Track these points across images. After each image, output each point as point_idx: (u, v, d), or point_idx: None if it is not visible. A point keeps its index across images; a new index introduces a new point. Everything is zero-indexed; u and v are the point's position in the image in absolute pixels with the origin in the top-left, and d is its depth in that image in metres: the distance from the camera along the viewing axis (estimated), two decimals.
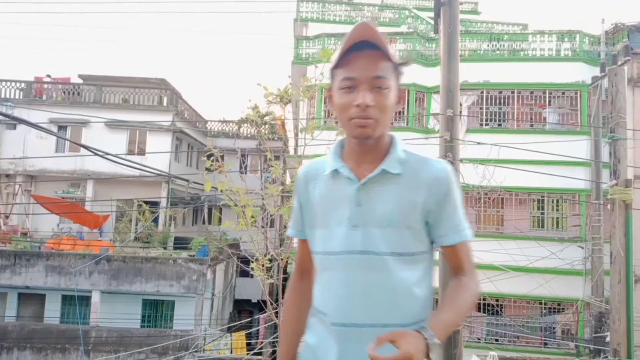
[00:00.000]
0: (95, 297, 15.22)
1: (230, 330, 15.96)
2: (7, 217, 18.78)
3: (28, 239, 17.68)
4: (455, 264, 1.35)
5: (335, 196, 1.34)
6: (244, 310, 20.94)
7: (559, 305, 12.33)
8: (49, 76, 21.25)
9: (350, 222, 1.29)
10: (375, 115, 1.25)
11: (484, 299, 12.36)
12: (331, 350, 1.31)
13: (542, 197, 12.82)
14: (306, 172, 1.45)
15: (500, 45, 13.71)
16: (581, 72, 12.86)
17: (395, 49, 14.24)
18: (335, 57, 1.31)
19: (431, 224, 1.32)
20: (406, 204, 1.28)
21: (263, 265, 4.10)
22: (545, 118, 13.39)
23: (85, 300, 15.18)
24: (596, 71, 12.37)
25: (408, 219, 1.28)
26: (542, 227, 12.89)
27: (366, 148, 1.32)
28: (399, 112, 13.94)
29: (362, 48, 1.26)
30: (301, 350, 1.46)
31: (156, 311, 16.26)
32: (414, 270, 1.30)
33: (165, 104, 20.81)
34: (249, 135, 23.60)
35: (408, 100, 13.50)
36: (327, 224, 1.34)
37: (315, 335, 1.39)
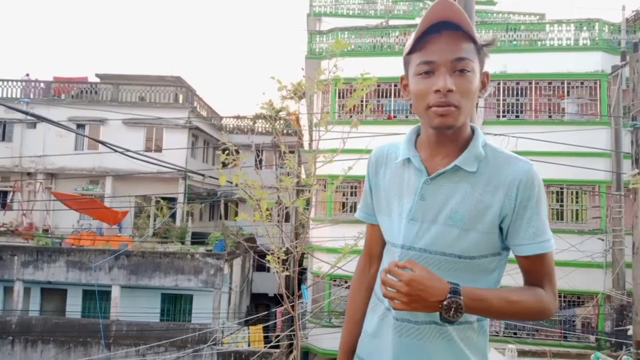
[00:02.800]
0: (115, 292, 15.50)
1: (247, 323, 16.11)
2: (24, 214, 19.22)
3: (49, 236, 18.06)
4: (531, 278, 1.20)
5: (402, 185, 1.26)
6: (261, 304, 21.12)
7: (578, 298, 12.15)
8: (27, 75, 21.43)
9: (410, 214, 1.21)
10: (456, 101, 1.13)
11: None
12: (388, 341, 1.26)
13: (561, 189, 12.63)
14: (378, 156, 1.37)
15: (517, 36, 13.49)
16: (601, 62, 12.59)
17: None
18: (410, 41, 1.19)
19: (506, 231, 1.18)
20: (475, 205, 1.16)
21: (279, 258, 4.14)
22: (564, 109, 13.16)
23: (105, 294, 15.47)
24: (616, 60, 12.09)
25: (475, 220, 1.16)
26: (562, 219, 12.70)
27: (444, 139, 1.20)
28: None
29: (441, 29, 1.13)
30: (361, 338, 1.41)
31: (175, 305, 16.50)
32: (468, 273, 1.19)
33: (180, 101, 21.00)
34: (263, 131, 23.70)
35: None
36: (390, 213, 1.28)
37: (373, 322, 1.33)
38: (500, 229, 1.18)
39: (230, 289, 16.79)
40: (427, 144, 1.25)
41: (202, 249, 16.61)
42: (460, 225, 1.16)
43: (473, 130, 1.24)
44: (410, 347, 1.22)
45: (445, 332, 1.20)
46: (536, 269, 1.18)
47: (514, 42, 13.48)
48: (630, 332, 7.71)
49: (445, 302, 1.04)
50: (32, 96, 20.51)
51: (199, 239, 18.51)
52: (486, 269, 1.21)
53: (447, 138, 1.20)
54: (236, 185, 4.18)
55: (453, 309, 1.04)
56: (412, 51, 1.19)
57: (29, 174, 20.21)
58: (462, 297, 1.05)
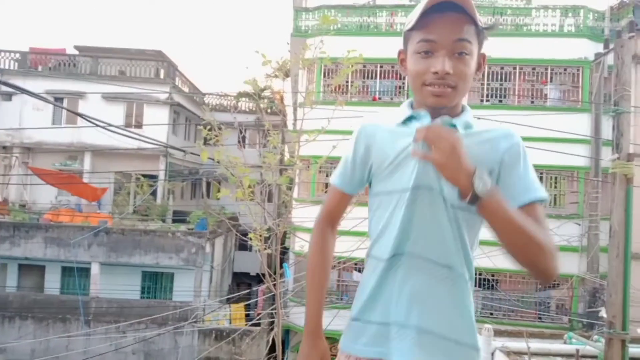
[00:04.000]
0: (95, 269, 15.36)
1: (229, 301, 16.19)
2: None
3: (26, 211, 17.72)
4: None
5: (405, 143, 1.26)
6: (243, 283, 21.20)
7: (553, 281, 12.50)
8: None
9: (418, 166, 1.22)
10: (453, 83, 1.17)
11: (479, 274, 12.51)
12: (394, 286, 1.26)
13: (540, 174, 12.83)
14: (370, 125, 1.37)
15: (504, 20, 13.49)
16: (584, 49, 12.69)
17: (396, 22, 14.02)
18: (411, 17, 1.20)
19: (499, 185, 1.20)
20: (472, 156, 1.16)
21: (261, 236, 4.13)
22: (546, 95, 13.29)
23: (85, 271, 15.33)
24: (599, 48, 12.21)
25: None
26: None
27: (437, 115, 1.23)
28: (399, 87, 13.81)
29: (444, 10, 1.14)
30: (357, 302, 1.37)
31: (155, 283, 16.46)
32: (466, 213, 1.20)
33: (162, 76, 20.57)
34: (247, 110, 23.43)
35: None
36: (402, 165, 1.26)
37: (371, 283, 1.31)
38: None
39: (212, 267, 16.79)
40: None
41: (183, 228, 16.52)
42: None
43: (463, 107, 1.29)
44: (421, 283, 1.23)
45: (451, 277, 1.23)
46: (534, 218, 1.16)
47: (500, 26, 13.49)
48: (601, 314, 7.97)
49: (476, 172, 1.05)
50: (6, 67, 19.86)
51: (180, 217, 18.39)
52: (477, 218, 1.22)
53: (441, 114, 1.23)
54: (218, 162, 4.13)
55: (482, 181, 1.05)
56: (413, 28, 1.20)
57: (4, 147, 19.68)
58: (490, 182, 1.07)
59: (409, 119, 1.28)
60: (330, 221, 1.47)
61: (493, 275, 12.45)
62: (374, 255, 1.33)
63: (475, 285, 11.92)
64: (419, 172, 1.22)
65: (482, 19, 1.19)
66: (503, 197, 1.09)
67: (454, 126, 1.22)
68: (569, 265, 11.60)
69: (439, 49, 1.16)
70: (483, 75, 13.22)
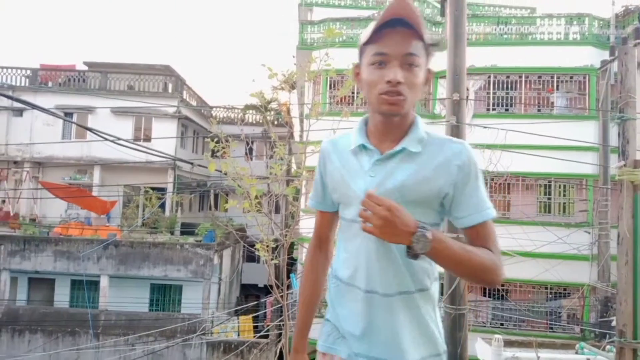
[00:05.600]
0: (104, 282, 15.42)
1: (237, 313, 16.15)
2: (2, 202, 18.99)
3: (37, 225, 17.88)
4: (477, 245, 1.28)
5: (356, 168, 1.36)
6: (251, 295, 21.17)
7: (564, 290, 12.35)
8: None
9: (363, 191, 1.29)
10: (404, 92, 1.26)
11: None
12: (357, 312, 1.37)
13: (549, 182, 12.76)
14: (330, 146, 1.47)
15: (508, 29, 13.53)
16: (590, 56, 12.67)
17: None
18: (366, 33, 1.30)
19: (449, 206, 1.31)
20: (421, 181, 1.28)
21: (268, 246, 4.14)
22: (553, 103, 13.26)
23: (94, 284, 15.40)
24: (605, 55, 12.19)
25: (420, 195, 1.28)
26: (549, 212, 12.85)
27: (391, 125, 1.33)
28: None
29: (395, 25, 1.25)
30: (323, 325, 1.50)
31: (164, 295, 16.47)
32: None
33: (170, 90, 20.80)
34: (254, 122, 23.58)
35: None
36: (348, 194, 1.37)
37: (338, 304, 1.44)
38: (441, 204, 1.32)
39: (220, 279, 16.79)
40: (376, 131, 1.36)
41: (191, 240, 16.57)
42: (406, 198, 1.27)
43: (415, 118, 1.37)
44: (379, 317, 1.33)
45: (410, 302, 1.32)
46: (482, 237, 1.29)
47: (505, 36, 13.53)
48: (614, 323, 7.86)
49: (416, 234, 1.14)
50: (17, 83, 20.21)
51: (188, 229, 18.46)
52: None
53: (393, 125, 1.33)
54: (225, 173, 4.16)
55: (421, 243, 1.14)
56: (367, 42, 1.30)
57: (15, 162, 19.94)
58: (430, 234, 1.14)
59: (361, 147, 1.37)
60: (319, 244, 1.59)
61: (503, 285, 12.34)
62: (336, 276, 1.45)
63: (485, 295, 11.79)
64: (358, 206, 1.29)
65: (429, 36, 1.29)
66: (446, 242, 1.18)
67: (406, 150, 1.31)
68: (579, 274, 11.47)
69: (391, 60, 1.25)
70: (489, 84, 13.25)
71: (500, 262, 1.26)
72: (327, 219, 1.54)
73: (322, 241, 1.58)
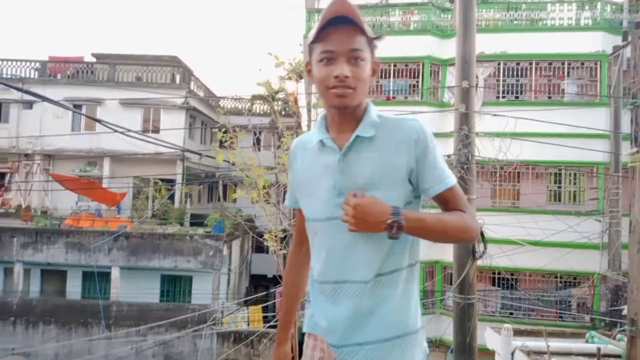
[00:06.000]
0: (115, 273, 15.58)
1: (247, 303, 16.26)
2: (5, 189, 19.17)
3: (48, 217, 18.08)
4: (449, 210, 1.41)
5: (321, 166, 1.42)
6: (260, 285, 21.27)
7: (574, 279, 12.27)
8: None
9: (335, 189, 1.37)
10: (352, 85, 1.33)
11: (498, 273, 12.35)
12: (325, 309, 1.44)
13: (559, 170, 12.63)
14: (296, 146, 1.54)
15: (518, 15, 13.31)
16: (602, 42, 12.45)
17: (411, 20, 13.97)
18: (312, 33, 1.37)
19: (415, 181, 1.39)
20: (387, 166, 1.36)
21: (276, 237, 4.14)
22: (563, 90, 13.07)
23: (105, 276, 15.56)
24: (617, 40, 11.96)
25: (390, 179, 1.35)
26: (559, 200, 12.73)
27: (345, 117, 1.39)
28: (413, 86, 13.73)
29: (339, 23, 1.32)
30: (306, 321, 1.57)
31: (174, 286, 16.62)
32: None
33: (177, 81, 20.80)
34: (261, 112, 23.55)
35: (423, 73, 13.27)
36: (314, 193, 1.43)
37: (313, 302, 1.51)
38: (410, 181, 1.39)
39: (230, 270, 16.89)
40: (333, 124, 1.43)
41: (201, 231, 16.66)
42: (379, 186, 1.34)
43: (366, 106, 1.44)
44: (352, 305, 1.38)
45: (384, 283, 1.38)
46: (450, 202, 1.40)
47: (515, 22, 13.32)
48: (624, 312, 7.79)
49: (388, 222, 1.24)
50: (27, 75, 20.33)
51: (197, 220, 18.55)
52: None
53: (348, 115, 1.39)
54: (233, 164, 4.16)
55: (395, 227, 1.24)
56: (314, 41, 1.37)
57: (26, 155, 20.12)
58: (402, 217, 1.24)
59: (320, 142, 1.43)
60: (299, 242, 1.66)
61: (512, 275, 12.28)
62: (312, 275, 1.52)
63: (495, 285, 11.76)
64: (330, 204, 1.37)
65: (370, 30, 1.37)
66: (419, 219, 1.29)
67: (360, 137, 1.37)
68: (589, 263, 11.38)
69: (338, 57, 1.33)
70: (499, 72, 13.08)
71: (472, 220, 1.38)
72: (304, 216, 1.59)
73: (302, 241, 1.63)
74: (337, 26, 1.33)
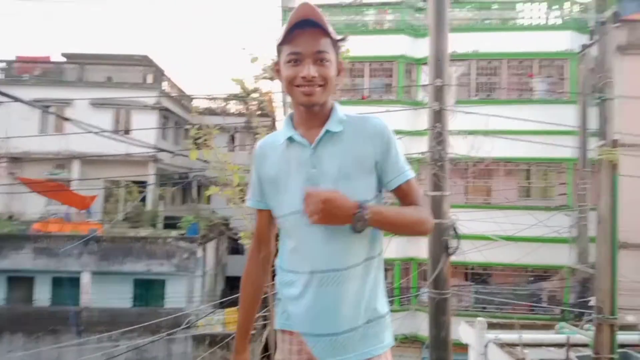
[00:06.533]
0: (86, 278, 15.17)
1: (222, 305, 16.07)
2: None
3: (14, 222, 17.46)
4: (406, 203, 1.50)
5: (291, 161, 1.48)
6: (236, 287, 21.03)
7: (545, 272, 12.54)
8: None
9: (309, 182, 1.43)
10: (319, 83, 1.41)
11: (471, 268, 12.53)
12: (309, 297, 1.46)
13: (529, 166, 12.90)
14: (262, 145, 1.58)
15: (490, 15, 13.55)
16: (570, 41, 12.76)
17: (385, 20, 14.08)
18: (280, 34, 1.44)
19: (379, 173, 1.47)
20: (355, 157, 1.44)
21: (252, 234, 4.09)
22: (533, 88, 13.37)
23: (75, 281, 15.13)
24: (585, 39, 12.29)
25: (359, 169, 1.44)
26: (530, 196, 13.01)
27: (312, 114, 1.46)
28: (387, 85, 13.82)
29: (304, 26, 1.39)
30: (282, 308, 1.57)
31: (147, 290, 16.27)
32: None
33: (149, 81, 20.42)
34: (236, 112, 23.33)
35: (397, 72, 13.37)
36: (288, 188, 1.47)
37: (297, 289, 1.49)
38: (374, 173, 1.47)
39: (204, 272, 16.66)
40: (301, 121, 1.49)
41: (174, 233, 16.38)
42: (348, 176, 1.42)
43: (333, 105, 1.52)
44: (327, 294, 1.43)
45: (357, 273, 1.45)
46: (407, 194, 1.50)
47: (487, 21, 13.55)
48: (592, 303, 8.00)
49: (355, 215, 1.32)
50: None
51: (171, 222, 18.24)
52: None
53: (315, 113, 1.46)
54: (207, 162, 4.08)
55: (360, 220, 1.33)
56: (282, 43, 1.44)
57: None
58: (367, 211, 1.33)
59: (290, 139, 1.48)
60: (258, 245, 1.66)
61: (485, 269, 12.48)
62: (281, 267, 1.56)
63: (467, 280, 11.89)
64: (300, 197, 1.40)
65: (334, 32, 1.44)
66: (382, 212, 1.38)
67: (330, 132, 1.45)
68: (559, 256, 11.65)
69: (305, 58, 1.41)
70: (471, 70, 13.28)
71: (427, 213, 1.49)
72: (267, 218, 1.61)
73: (262, 242, 1.65)
74: (304, 29, 1.39)
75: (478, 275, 12.54)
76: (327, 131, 1.44)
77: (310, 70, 1.39)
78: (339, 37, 1.47)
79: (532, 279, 12.62)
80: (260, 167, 1.56)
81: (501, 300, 11.65)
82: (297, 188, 1.44)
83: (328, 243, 1.42)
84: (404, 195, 1.50)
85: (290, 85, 1.44)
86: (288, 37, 1.42)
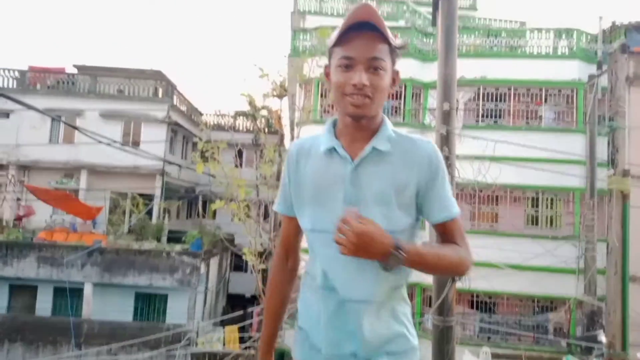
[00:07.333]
0: (88, 290, 15.12)
1: (223, 323, 15.90)
2: None
3: (20, 229, 17.52)
4: (447, 240, 1.38)
5: (330, 174, 1.35)
6: (238, 305, 20.91)
7: (551, 303, 12.34)
8: None
9: (346, 201, 1.31)
10: (370, 94, 1.28)
11: (477, 296, 12.36)
12: (322, 313, 1.37)
13: (536, 194, 12.82)
14: (298, 149, 1.45)
15: (498, 42, 13.67)
16: (578, 70, 12.84)
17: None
18: (334, 35, 1.32)
19: (421, 202, 1.36)
20: (398, 182, 1.32)
21: (255, 251, 4.06)
22: (541, 116, 13.38)
23: (77, 292, 15.08)
24: (592, 69, 12.35)
25: (399, 196, 1.32)
26: (536, 224, 12.89)
27: (359, 127, 1.34)
28: (395, 107, 13.90)
29: (361, 28, 1.28)
30: (300, 310, 1.49)
31: (149, 304, 16.17)
32: None
33: (160, 95, 20.66)
34: (244, 129, 23.50)
35: (405, 96, 13.45)
36: (322, 202, 1.35)
37: (311, 297, 1.42)
38: (416, 202, 1.36)
39: (207, 288, 16.56)
40: (346, 132, 1.37)
41: (178, 247, 16.34)
42: (388, 202, 1.31)
43: (382, 119, 1.40)
44: (353, 324, 1.34)
45: (385, 305, 1.36)
46: (450, 232, 1.37)
47: (495, 48, 13.66)
48: (600, 337, 7.85)
49: (391, 255, 1.20)
50: (5, 85, 19.95)
51: (175, 236, 18.22)
52: (414, 237, 1.40)
53: (362, 126, 1.35)
54: (213, 176, 4.09)
55: (395, 261, 1.22)
56: (335, 45, 1.33)
57: (0, 165, 19.59)
58: (403, 251, 1.21)
59: (331, 149, 1.37)
60: (285, 253, 1.57)
61: (490, 298, 12.30)
62: (310, 285, 1.45)
63: (473, 308, 11.76)
64: (340, 216, 1.27)
65: (394, 39, 1.32)
66: (419, 253, 1.25)
67: (376, 150, 1.34)
68: (566, 287, 11.47)
69: (357, 64, 1.29)
70: (478, 96, 13.34)
71: (467, 254, 1.34)
72: (295, 225, 1.50)
73: (289, 250, 1.56)
74: (359, 32, 1.28)
75: (483, 303, 12.35)
76: (374, 148, 1.33)
77: (362, 77, 1.27)
78: (398, 44, 1.35)
79: (538, 309, 12.41)
80: (293, 172, 1.45)
81: (506, 330, 11.46)
82: (332, 205, 1.33)
83: (361, 271, 1.32)
84: (446, 232, 1.38)
85: (339, 93, 1.32)
86: (342, 39, 1.30)
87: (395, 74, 1.38)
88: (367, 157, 1.33)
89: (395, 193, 1.31)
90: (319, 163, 1.38)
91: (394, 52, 1.34)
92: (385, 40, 1.30)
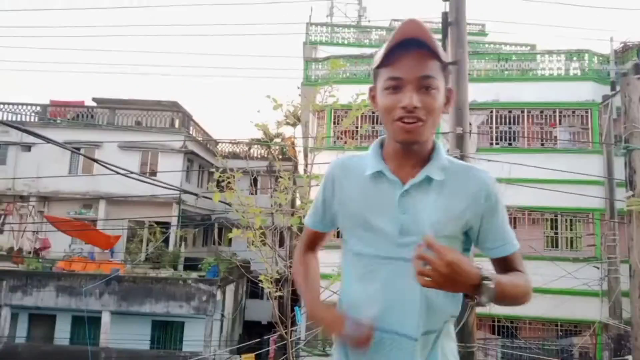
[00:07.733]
0: (106, 318, 15.18)
1: (239, 351, 15.76)
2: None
3: (40, 260, 17.78)
4: (509, 269, 1.30)
5: (377, 199, 1.27)
6: (254, 333, 20.71)
7: (575, 327, 12.01)
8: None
9: (396, 229, 1.23)
10: (422, 117, 1.18)
11: (498, 321, 12.09)
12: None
13: (555, 216, 12.65)
14: (341, 168, 1.36)
15: (509, 66, 13.76)
16: (591, 91, 12.82)
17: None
18: (379, 55, 1.22)
19: (474, 236, 1.28)
20: (449, 214, 1.22)
21: (272, 278, 4.09)
22: (556, 137, 13.32)
23: (95, 321, 15.14)
24: (606, 90, 12.32)
25: (453, 229, 1.24)
26: (556, 247, 12.68)
27: (410, 152, 1.25)
28: None
29: (409, 46, 1.17)
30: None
31: (165, 332, 16.15)
32: None
33: (177, 125, 21.09)
34: (259, 156, 23.76)
35: None
36: (370, 227, 1.26)
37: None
38: (466, 234, 1.28)
39: (223, 316, 16.50)
40: (394, 156, 1.28)
41: (194, 275, 16.38)
42: (441, 234, 1.19)
43: (435, 144, 1.30)
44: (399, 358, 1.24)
45: (435, 340, 1.26)
46: (513, 265, 1.29)
47: (506, 72, 13.74)
48: None
49: (481, 286, 1.07)
50: (26, 119, 20.60)
51: (192, 263, 18.29)
52: None
53: (413, 151, 1.25)
54: (229, 204, 4.17)
55: (487, 293, 1.08)
56: (380, 65, 1.23)
57: (21, 197, 20.04)
58: (494, 282, 1.08)
59: (379, 172, 1.28)
60: (308, 247, 1.53)
61: (512, 322, 12.03)
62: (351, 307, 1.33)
63: (494, 333, 11.48)
64: (392, 243, 1.23)
65: (444, 54, 1.21)
66: (503, 284, 1.12)
67: (427, 179, 1.24)
68: (590, 310, 11.19)
69: (406, 84, 1.18)
70: (492, 119, 13.36)
71: (530, 283, 1.26)
72: (322, 236, 1.50)
73: (311, 249, 1.54)
74: (407, 49, 1.17)
75: (505, 328, 12.07)
76: (427, 177, 1.23)
77: (412, 99, 1.16)
78: (450, 60, 1.28)
79: (561, 334, 12.08)
80: (333, 192, 1.36)
81: (530, 355, 11.15)
82: (383, 231, 1.24)
83: (409, 301, 1.21)
84: (507, 265, 1.29)
85: (388, 117, 1.21)
86: (388, 59, 1.20)
87: (449, 92, 1.26)
88: (419, 184, 1.23)
89: (448, 225, 1.22)
90: (363, 184, 1.29)
91: (445, 69, 1.23)
92: (435, 56, 1.19)
